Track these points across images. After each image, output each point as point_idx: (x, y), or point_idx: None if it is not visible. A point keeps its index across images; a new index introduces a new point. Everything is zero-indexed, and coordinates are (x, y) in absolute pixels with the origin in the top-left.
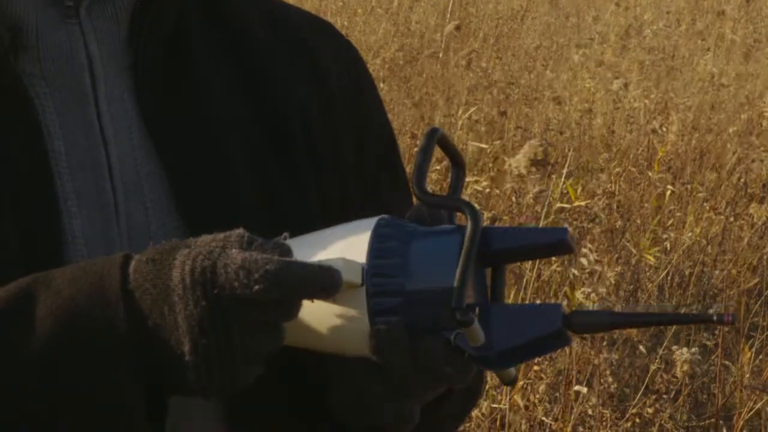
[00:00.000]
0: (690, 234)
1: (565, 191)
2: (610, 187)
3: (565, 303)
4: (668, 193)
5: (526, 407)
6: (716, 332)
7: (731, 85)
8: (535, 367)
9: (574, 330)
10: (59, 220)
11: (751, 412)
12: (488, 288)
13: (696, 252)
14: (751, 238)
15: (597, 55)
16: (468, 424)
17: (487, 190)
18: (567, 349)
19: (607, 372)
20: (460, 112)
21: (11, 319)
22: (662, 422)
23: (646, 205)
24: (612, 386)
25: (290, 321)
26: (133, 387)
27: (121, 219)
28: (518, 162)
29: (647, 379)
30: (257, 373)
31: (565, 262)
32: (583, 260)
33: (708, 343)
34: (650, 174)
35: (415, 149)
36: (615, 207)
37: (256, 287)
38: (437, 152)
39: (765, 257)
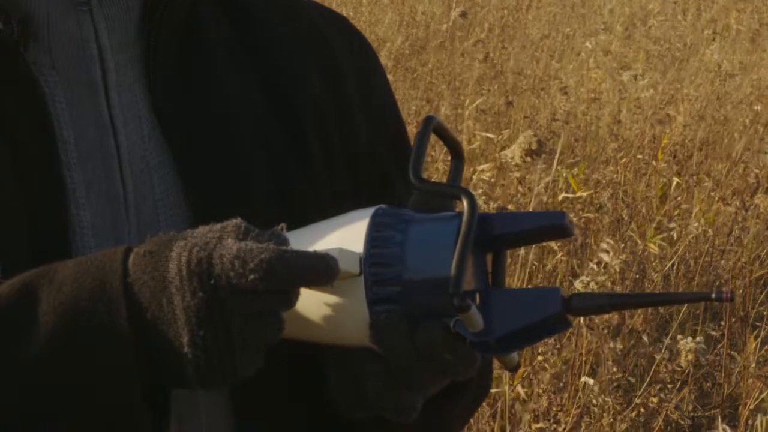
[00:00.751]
0: (696, 224)
1: (566, 181)
2: (616, 177)
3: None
4: (674, 183)
5: (529, 396)
6: (722, 322)
7: (738, 74)
8: (539, 357)
9: (573, 313)
10: (68, 210)
11: (757, 402)
12: (489, 274)
13: (702, 242)
14: (758, 228)
15: (603, 45)
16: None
17: (493, 179)
18: (573, 339)
19: (610, 361)
20: (467, 102)
21: (14, 316)
22: (668, 412)
23: (652, 193)
24: (618, 375)
25: (289, 310)
26: (135, 383)
27: (130, 209)
28: (513, 152)
29: (652, 369)
30: (258, 364)
31: (571, 252)
32: (603, 255)
33: (713, 333)
34: (655, 164)
35: None
36: (620, 197)
37: (252, 276)
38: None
39: None
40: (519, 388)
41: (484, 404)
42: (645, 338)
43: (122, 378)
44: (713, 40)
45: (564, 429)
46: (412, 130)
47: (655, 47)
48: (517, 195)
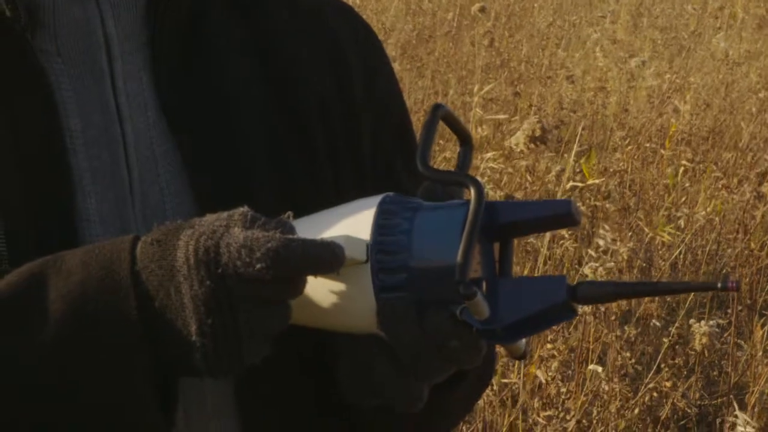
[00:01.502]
0: (703, 212)
1: (578, 169)
2: (623, 165)
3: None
4: (681, 170)
5: (539, 386)
6: (729, 310)
7: (744, 63)
8: (549, 345)
9: (579, 301)
10: (74, 198)
11: (764, 390)
12: (496, 262)
13: (709, 230)
14: (764, 217)
15: (609, 33)
16: (478, 402)
17: (501, 167)
18: (580, 327)
19: (618, 347)
20: (475, 89)
21: (22, 304)
22: (674, 401)
23: (660, 182)
24: (629, 361)
25: (296, 298)
26: (143, 370)
27: (136, 197)
28: (517, 139)
29: (660, 356)
30: (265, 352)
31: (578, 240)
32: (600, 241)
33: (721, 321)
34: (663, 152)
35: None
36: (628, 185)
37: (258, 265)
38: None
39: None
40: (537, 371)
41: (491, 392)
42: (657, 323)
43: (130, 365)
44: (719, 28)
45: (572, 416)
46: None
47: (661, 36)
48: (525, 183)
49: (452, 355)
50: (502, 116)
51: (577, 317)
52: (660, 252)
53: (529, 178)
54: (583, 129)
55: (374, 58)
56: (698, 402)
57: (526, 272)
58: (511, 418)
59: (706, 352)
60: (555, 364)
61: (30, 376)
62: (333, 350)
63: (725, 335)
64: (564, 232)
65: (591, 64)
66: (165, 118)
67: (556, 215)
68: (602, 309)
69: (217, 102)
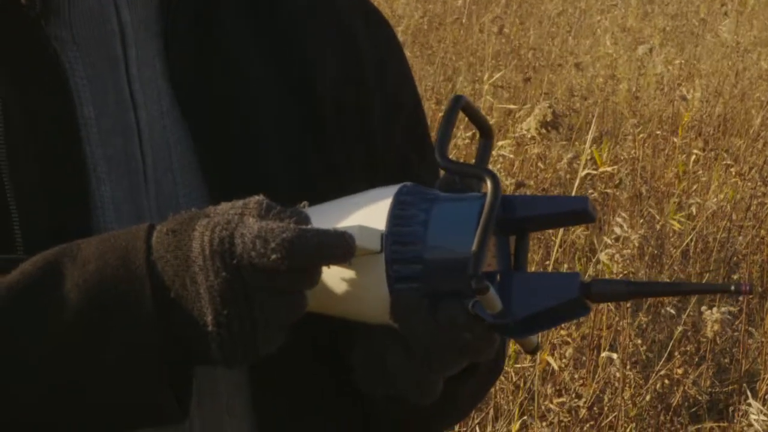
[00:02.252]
0: (714, 200)
1: (589, 157)
2: (635, 152)
3: (590, 271)
4: (692, 158)
5: (552, 373)
6: (740, 298)
7: (754, 51)
8: (562, 332)
9: (592, 299)
10: (89, 186)
11: None
12: (512, 255)
13: (720, 218)
14: None
15: (619, 20)
16: (492, 388)
17: (512, 155)
18: (593, 314)
19: (630, 335)
20: (486, 77)
21: (38, 293)
22: (686, 388)
23: (671, 169)
24: (641, 347)
25: (311, 289)
26: (158, 359)
27: (150, 185)
28: (529, 125)
29: (671, 343)
30: (280, 341)
31: (589, 227)
32: (616, 229)
33: (732, 308)
34: (675, 140)
35: (440, 115)
36: (639, 173)
37: (273, 256)
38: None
39: None
40: (549, 358)
41: (503, 378)
42: (669, 310)
43: (145, 355)
44: (725, 14)
45: (585, 403)
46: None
47: (671, 23)
48: (536, 170)
49: (465, 347)
50: (512, 106)
51: (588, 314)
52: (671, 240)
53: (540, 165)
54: (593, 116)
55: (386, 45)
56: (709, 389)
57: (537, 259)
58: (524, 405)
59: (717, 339)
60: (569, 351)
61: (46, 364)
62: (347, 339)
63: (736, 323)
64: None
65: (601, 51)
66: (178, 105)
67: (573, 211)
68: None
69: (231, 91)
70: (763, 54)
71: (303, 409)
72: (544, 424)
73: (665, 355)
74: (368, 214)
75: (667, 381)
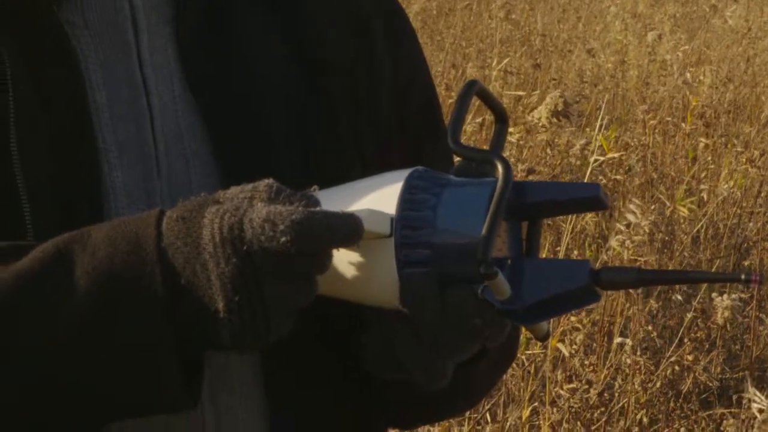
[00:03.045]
0: (725, 186)
1: (599, 143)
2: (645, 139)
3: (601, 257)
4: (701, 145)
5: (562, 359)
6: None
7: (765, 37)
8: (572, 318)
9: (602, 286)
10: (100, 171)
11: None
12: (523, 241)
13: (730, 204)
14: None
15: (629, 6)
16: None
17: (521, 141)
18: (603, 300)
19: (643, 321)
20: (494, 63)
21: (48, 281)
22: (696, 374)
23: (681, 156)
24: (652, 334)
25: (322, 274)
26: (169, 347)
27: (162, 171)
28: (540, 113)
29: (682, 330)
30: (290, 326)
31: (599, 213)
32: (630, 216)
33: (743, 295)
34: (684, 126)
35: (450, 101)
36: (649, 159)
37: (283, 239)
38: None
39: None
40: (560, 345)
41: (514, 364)
42: (680, 297)
43: (156, 341)
44: (736, 0)
45: (595, 389)
46: (440, 92)
47: (682, 9)
48: (546, 157)
49: (474, 333)
50: (520, 92)
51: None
52: (682, 226)
53: (549, 151)
54: (603, 102)
55: (399, 29)
56: (720, 376)
57: (548, 245)
58: (534, 391)
59: (728, 326)
60: (580, 337)
61: (56, 351)
62: (358, 322)
63: (747, 309)
64: None
65: (611, 37)
66: (191, 91)
67: (585, 198)
68: None
69: (243, 75)
70: None
71: (317, 393)
72: (554, 410)
73: (676, 341)
74: (379, 197)
75: (677, 367)
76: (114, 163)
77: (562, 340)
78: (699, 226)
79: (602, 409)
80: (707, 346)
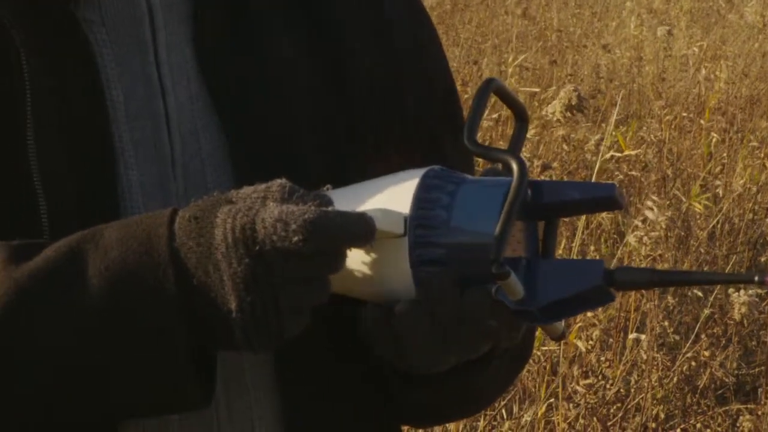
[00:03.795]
0: (741, 182)
1: (615, 139)
2: (661, 134)
3: (617, 254)
4: (714, 140)
5: (578, 354)
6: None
7: None
8: (589, 314)
9: (616, 287)
10: (116, 170)
11: None
12: (540, 241)
13: (746, 200)
14: None
15: (644, 2)
16: None
17: (537, 138)
18: (618, 297)
19: (660, 317)
20: (510, 59)
21: (61, 280)
22: (713, 370)
23: (697, 151)
24: (668, 329)
25: (335, 273)
26: (182, 345)
27: (178, 169)
28: (554, 108)
29: (698, 325)
30: (303, 325)
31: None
32: (648, 213)
33: (759, 290)
34: (701, 122)
35: (467, 96)
36: (665, 155)
37: (295, 238)
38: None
39: None
40: (577, 341)
41: (531, 361)
42: (698, 292)
43: (169, 341)
44: None
45: (611, 385)
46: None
47: (698, 4)
48: (561, 152)
49: (489, 332)
50: (536, 89)
51: (613, 301)
52: (698, 222)
53: (565, 147)
54: (619, 98)
55: (418, 24)
56: (736, 371)
57: (563, 241)
58: (550, 386)
59: (744, 321)
60: (596, 332)
61: (69, 351)
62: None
63: (763, 305)
64: None
65: (628, 32)
66: (207, 90)
67: (601, 198)
68: None
69: (261, 75)
70: None
71: (328, 393)
72: (570, 406)
73: (692, 337)
74: (393, 196)
75: (694, 363)
76: (130, 162)
77: (578, 337)
78: (714, 221)
79: (618, 404)
80: (723, 341)
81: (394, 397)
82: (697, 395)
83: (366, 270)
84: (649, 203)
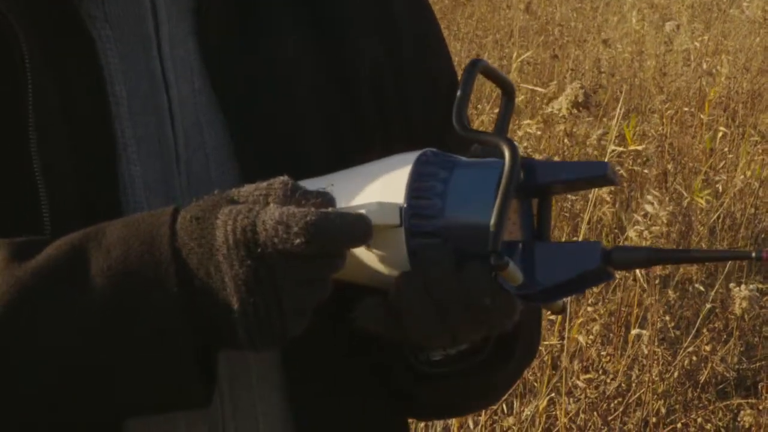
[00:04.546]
0: (742, 176)
1: (617, 134)
2: (662, 129)
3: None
4: (719, 135)
5: (579, 349)
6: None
7: None
8: (589, 308)
9: (614, 266)
10: (119, 165)
11: None
12: (534, 217)
13: (747, 195)
14: None
15: None
16: None
17: (539, 132)
18: (620, 291)
19: (661, 311)
20: (514, 55)
21: (63, 279)
22: (713, 364)
23: (698, 146)
24: (669, 324)
25: (336, 273)
26: (184, 345)
27: (181, 165)
28: (560, 104)
29: (699, 320)
30: (305, 324)
31: (616, 204)
32: (648, 207)
33: (761, 285)
34: (702, 116)
35: None
36: (666, 149)
37: (297, 240)
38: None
39: None
40: (578, 336)
41: None
42: (700, 287)
43: (171, 341)
44: None
45: (612, 379)
46: None
47: None
48: (564, 148)
49: (482, 312)
50: (540, 89)
51: (617, 280)
52: (699, 217)
53: (567, 142)
54: (620, 93)
55: (423, 21)
56: (737, 366)
57: (565, 235)
58: (551, 381)
59: (745, 316)
60: (596, 327)
61: (71, 350)
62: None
63: (764, 300)
64: (605, 196)
65: (629, 27)
66: (211, 85)
67: (594, 176)
68: (643, 272)
69: (269, 74)
70: None
71: (334, 389)
72: (571, 400)
73: (693, 331)
74: (388, 183)
75: (695, 357)
76: (133, 157)
77: (579, 331)
78: (716, 216)
79: (619, 399)
80: (724, 336)
81: (404, 394)
82: (698, 390)
83: (365, 259)
84: (650, 197)
